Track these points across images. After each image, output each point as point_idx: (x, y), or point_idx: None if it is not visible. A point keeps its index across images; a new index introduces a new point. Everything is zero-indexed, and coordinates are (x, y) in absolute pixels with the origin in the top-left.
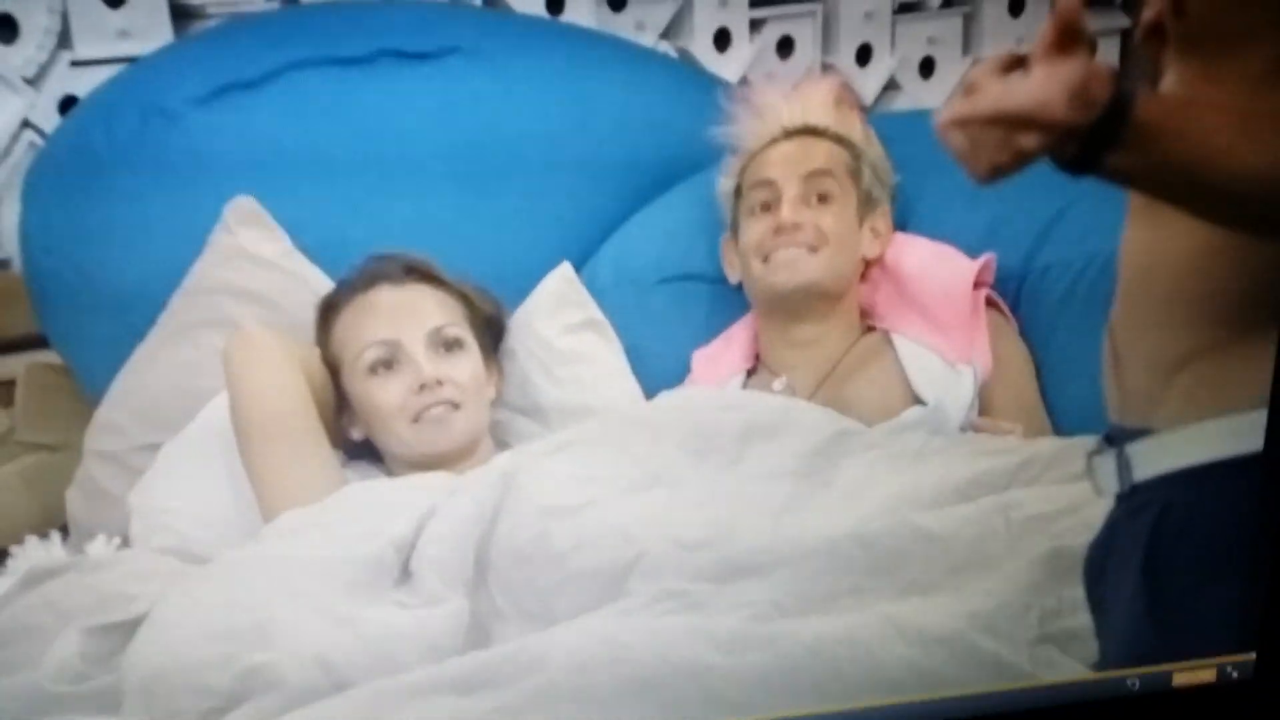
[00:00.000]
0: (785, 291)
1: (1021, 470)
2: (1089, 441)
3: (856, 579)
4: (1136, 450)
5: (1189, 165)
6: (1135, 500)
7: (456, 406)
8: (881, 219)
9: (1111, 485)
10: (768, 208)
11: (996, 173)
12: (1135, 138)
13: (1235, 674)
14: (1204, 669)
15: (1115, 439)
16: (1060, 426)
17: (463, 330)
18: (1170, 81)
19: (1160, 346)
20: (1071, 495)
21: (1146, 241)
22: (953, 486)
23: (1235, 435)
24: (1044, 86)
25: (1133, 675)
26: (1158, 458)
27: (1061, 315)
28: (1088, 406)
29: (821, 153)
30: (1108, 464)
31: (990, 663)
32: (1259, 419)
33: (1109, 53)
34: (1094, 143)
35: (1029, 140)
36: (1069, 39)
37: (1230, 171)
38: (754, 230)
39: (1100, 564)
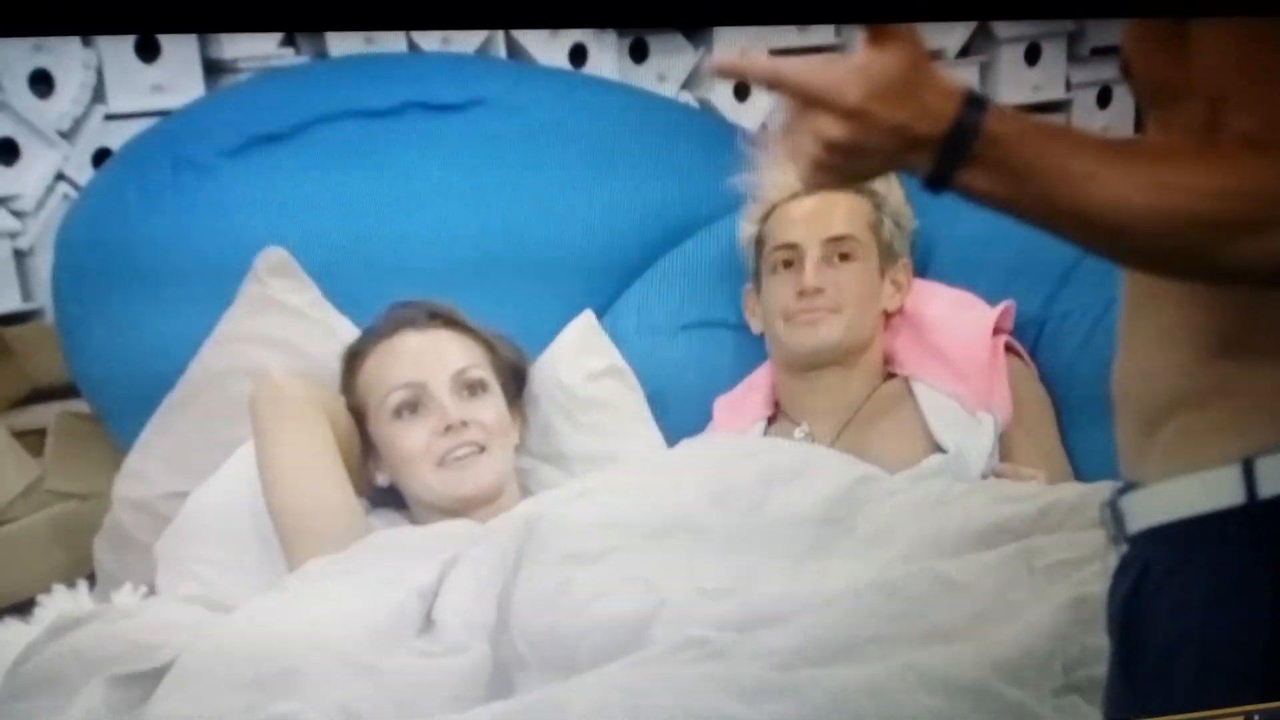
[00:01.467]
0: (807, 353)
1: (1043, 516)
2: (1111, 487)
3: (879, 627)
4: (1127, 503)
5: (1045, 189)
6: (1127, 555)
7: (482, 449)
8: (903, 271)
9: (1112, 538)
10: (789, 265)
11: (819, 170)
12: (988, 156)
13: None
14: None
15: (1121, 491)
16: (1082, 472)
17: (486, 373)
18: (1147, 130)
19: (1145, 396)
20: (1094, 541)
21: (1131, 293)
22: (975, 533)
23: (1210, 491)
24: (840, 69)
25: None
26: (1142, 512)
27: (1081, 360)
28: (1109, 452)
29: (843, 211)
30: (1109, 516)
31: (1014, 712)
32: (1233, 474)
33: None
34: (945, 158)
35: (833, 130)
36: (882, 34)
37: (1088, 198)
38: (777, 291)
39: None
